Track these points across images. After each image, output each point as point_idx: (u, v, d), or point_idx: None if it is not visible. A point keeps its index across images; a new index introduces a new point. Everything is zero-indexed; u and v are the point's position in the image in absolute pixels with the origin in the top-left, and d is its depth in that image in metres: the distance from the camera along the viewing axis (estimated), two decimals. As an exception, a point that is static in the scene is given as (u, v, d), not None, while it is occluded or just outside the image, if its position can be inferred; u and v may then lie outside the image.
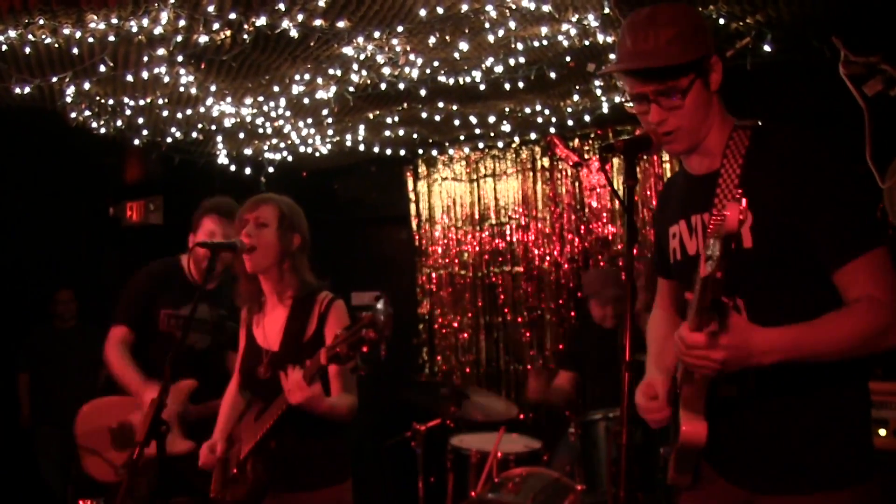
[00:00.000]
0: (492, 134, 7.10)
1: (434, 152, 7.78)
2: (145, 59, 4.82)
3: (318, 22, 4.45)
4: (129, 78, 5.06)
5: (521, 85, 5.39)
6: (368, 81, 5.40)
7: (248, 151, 7.11)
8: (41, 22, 4.26)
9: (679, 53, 2.19)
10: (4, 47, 4.55)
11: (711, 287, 1.89)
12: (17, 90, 5.00)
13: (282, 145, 7.03)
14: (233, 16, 4.33)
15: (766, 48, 4.56)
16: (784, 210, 2.13)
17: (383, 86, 5.45)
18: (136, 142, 6.39)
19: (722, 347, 1.99)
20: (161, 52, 4.69)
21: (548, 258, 7.29)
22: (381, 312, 2.87)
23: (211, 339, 4.28)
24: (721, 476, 2.33)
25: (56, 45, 4.57)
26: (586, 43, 4.89)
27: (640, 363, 2.46)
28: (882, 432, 4.39)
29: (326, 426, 3.28)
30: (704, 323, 1.98)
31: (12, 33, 4.38)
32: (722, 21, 4.49)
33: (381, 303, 2.90)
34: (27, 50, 4.60)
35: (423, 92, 5.55)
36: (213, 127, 6.31)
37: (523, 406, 7.04)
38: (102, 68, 4.80)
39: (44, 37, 4.43)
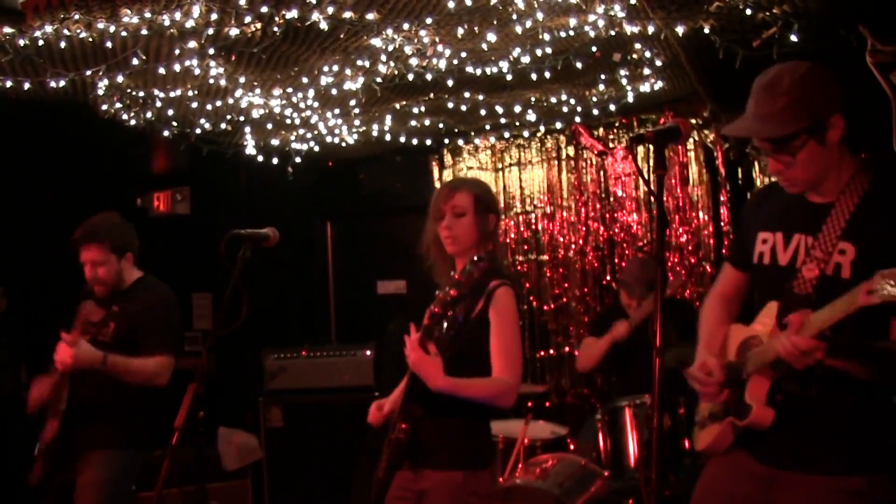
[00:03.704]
0: (517, 123, 7.12)
1: (460, 142, 7.81)
2: (177, 51, 4.87)
3: (347, 14, 4.49)
4: (161, 70, 5.11)
5: (547, 75, 5.41)
6: (396, 72, 5.44)
7: (275, 142, 7.16)
8: (76, 17, 4.32)
9: (790, 121, 2.52)
10: (41, 42, 4.61)
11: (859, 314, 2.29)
12: (53, 84, 5.06)
13: (309, 136, 7.08)
14: (264, 9, 4.38)
15: (793, 38, 4.55)
16: (885, 252, 2.45)
17: (411, 76, 5.49)
18: (166, 133, 6.45)
19: (822, 351, 2.41)
20: (192, 44, 4.74)
21: (573, 247, 7.32)
22: None
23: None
24: (743, 449, 2.77)
25: (90, 40, 4.63)
26: (612, 33, 4.91)
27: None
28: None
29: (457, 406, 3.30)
30: (826, 336, 2.39)
31: (49, 28, 4.44)
32: (749, 11, 4.49)
33: None
34: (62, 44, 4.66)
35: (449, 82, 5.57)
36: (242, 118, 6.36)
37: (550, 392, 7.12)
38: (135, 61, 4.86)
39: (79, 31, 4.48)
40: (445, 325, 3.23)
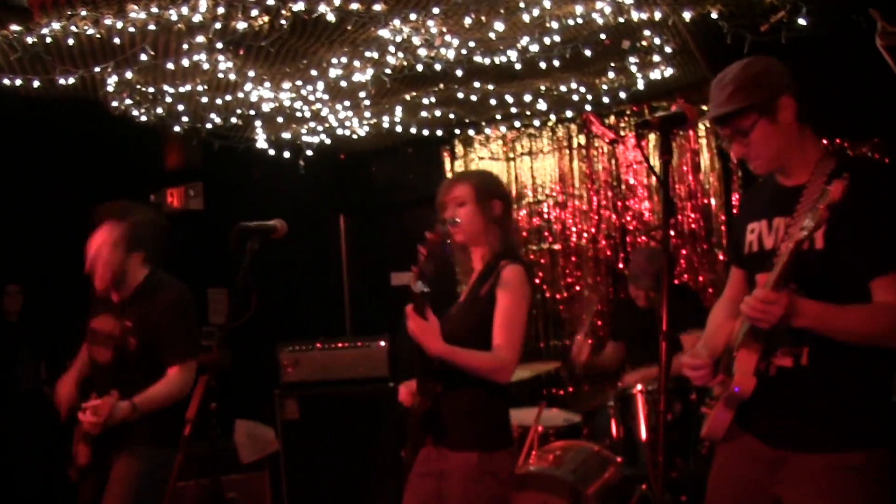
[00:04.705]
0: (528, 113, 7.12)
1: (471, 132, 7.81)
2: (185, 46, 4.89)
3: (354, 6, 4.50)
4: (170, 66, 5.13)
5: (556, 63, 5.41)
6: (405, 63, 5.44)
7: (286, 135, 7.18)
8: (83, 13, 4.35)
9: (734, 101, 2.73)
10: (49, 39, 4.63)
11: (798, 248, 2.45)
12: (62, 81, 5.09)
13: (320, 128, 7.10)
14: (271, 2, 4.39)
15: (801, 22, 4.54)
16: (854, 224, 2.58)
17: (419, 67, 5.49)
18: (177, 129, 6.48)
19: (781, 306, 2.49)
20: (200, 39, 4.76)
21: (585, 235, 7.33)
22: None
23: (112, 353, 4.15)
24: (749, 432, 2.84)
25: (98, 36, 4.65)
26: (621, 20, 4.91)
27: (676, 339, 2.75)
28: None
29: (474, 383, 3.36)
30: (781, 285, 2.51)
31: (56, 25, 4.46)
32: (757, -4, 4.49)
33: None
34: (70, 41, 4.68)
35: (459, 72, 5.58)
36: (252, 112, 6.38)
37: (564, 380, 7.12)
38: (143, 57, 4.88)
39: (86, 28, 4.51)
40: (420, 284, 3.23)
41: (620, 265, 7.10)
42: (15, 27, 4.47)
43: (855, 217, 2.59)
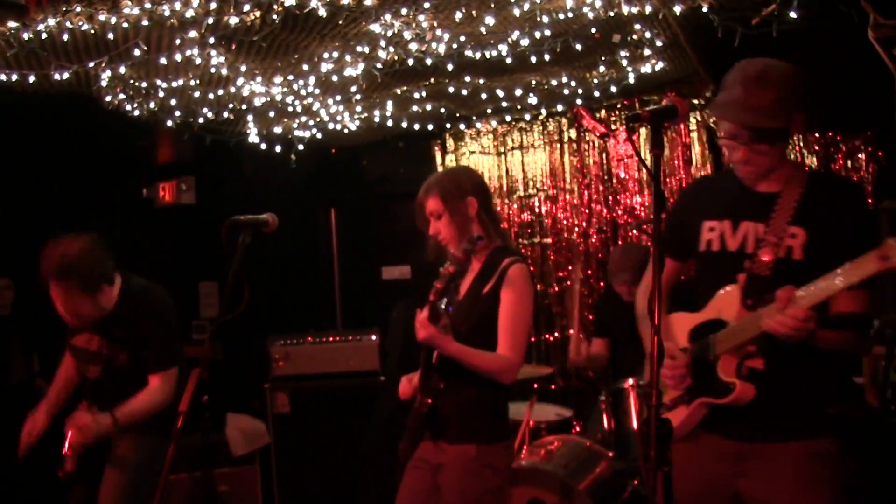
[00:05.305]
0: (518, 107, 7.12)
1: (461, 126, 7.81)
2: (178, 41, 4.89)
3: (345, 1, 4.51)
4: (163, 61, 5.12)
5: (546, 57, 5.42)
6: (396, 58, 5.45)
7: (277, 130, 7.17)
8: (78, 9, 4.35)
9: (778, 117, 2.70)
10: (44, 35, 4.63)
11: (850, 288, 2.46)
12: (57, 76, 5.09)
13: (311, 123, 7.09)
14: (262, -3, 4.41)
15: (792, 14, 4.54)
16: (832, 236, 2.69)
17: (410, 62, 5.49)
18: (169, 123, 6.47)
19: (814, 321, 2.54)
20: (193, 34, 4.76)
21: (576, 229, 7.35)
22: None
23: (101, 368, 4.22)
24: (707, 430, 2.90)
25: (92, 32, 4.65)
26: (611, 14, 4.92)
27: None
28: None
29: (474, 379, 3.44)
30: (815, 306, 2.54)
31: (51, 21, 4.46)
32: (747, -11, 4.50)
33: None
34: (65, 37, 4.68)
35: (449, 67, 5.58)
36: (244, 106, 6.37)
37: (555, 374, 7.15)
38: (137, 52, 4.88)
39: (80, 23, 4.51)
40: (445, 300, 3.34)
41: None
42: (11, 23, 4.48)
43: (833, 230, 2.71)
